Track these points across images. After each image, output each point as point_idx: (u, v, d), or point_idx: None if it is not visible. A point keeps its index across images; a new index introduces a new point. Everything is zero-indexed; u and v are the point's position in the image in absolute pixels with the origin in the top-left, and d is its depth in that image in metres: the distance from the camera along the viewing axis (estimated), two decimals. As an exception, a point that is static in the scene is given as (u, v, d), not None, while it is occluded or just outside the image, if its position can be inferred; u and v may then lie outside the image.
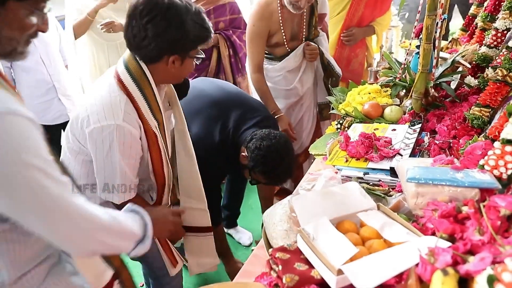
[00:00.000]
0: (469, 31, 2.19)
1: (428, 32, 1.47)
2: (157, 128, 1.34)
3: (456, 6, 3.95)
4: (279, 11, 2.17)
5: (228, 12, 2.71)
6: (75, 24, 2.45)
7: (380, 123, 1.70)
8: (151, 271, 1.68)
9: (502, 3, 1.63)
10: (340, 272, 0.83)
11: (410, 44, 1.87)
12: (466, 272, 0.73)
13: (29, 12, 0.79)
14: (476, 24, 1.96)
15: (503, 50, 1.37)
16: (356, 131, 1.62)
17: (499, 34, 1.55)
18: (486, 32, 1.80)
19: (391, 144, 1.46)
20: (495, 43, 1.57)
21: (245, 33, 2.75)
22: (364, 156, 1.43)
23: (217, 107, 1.88)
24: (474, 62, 1.68)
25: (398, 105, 1.77)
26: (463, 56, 1.80)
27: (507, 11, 1.47)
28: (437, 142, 1.42)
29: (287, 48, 2.30)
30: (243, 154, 1.76)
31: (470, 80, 1.62)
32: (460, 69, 1.77)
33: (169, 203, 1.56)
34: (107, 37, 2.52)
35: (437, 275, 0.73)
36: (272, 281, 0.94)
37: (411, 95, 1.64)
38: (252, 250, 1.72)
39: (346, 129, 1.74)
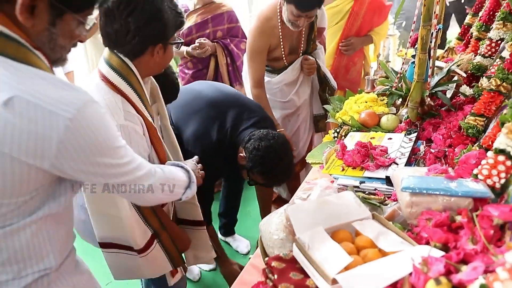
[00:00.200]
0: (465, 40, 2.21)
1: (423, 42, 1.48)
2: (153, 122, 1.35)
3: (453, 15, 3.99)
4: (279, 27, 2.18)
5: (226, 21, 2.74)
6: None
7: (376, 131, 1.71)
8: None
9: (496, 13, 1.65)
10: (334, 281, 0.83)
11: (405, 54, 1.88)
12: (459, 281, 0.73)
13: (78, 23, 0.86)
14: (472, 33, 1.98)
15: (497, 60, 1.38)
16: (352, 140, 1.64)
17: (493, 44, 1.56)
18: (481, 41, 1.82)
19: (387, 153, 1.47)
20: (489, 52, 1.59)
21: (243, 41, 2.77)
22: (360, 165, 1.44)
23: (214, 107, 1.89)
24: (469, 71, 1.69)
25: (395, 114, 1.78)
26: (458, 65, 1.81)
27: (501, 22, 1.49)
28: (433, 151, 1.43)
29: (285, 62, 2.31)
30: (241, 154, 1.76)
31: (465, 89, 1.63)
32: (455, 78, 1.78)
33: None
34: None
35: (430, 284, 0.74)
36: (268, 290, 0.94)
37: (407, 104, 1.65)
38: (249, 258, 1.73)
39: (343, 137, 1.76)
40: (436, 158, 1.40)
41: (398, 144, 1.53)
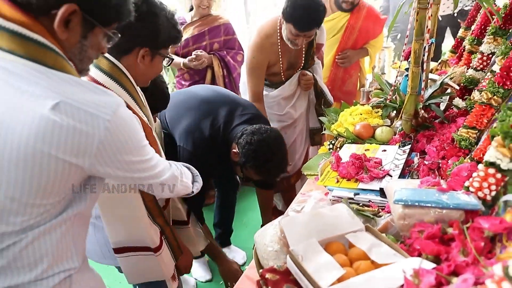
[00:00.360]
0: (458, 53, 2.25)
1: (416, 56, 1.50)
2: (148, 122, 1.36)
3: (448, 28, 4.04)
4: (279, 43, 2.20)
5: (223, 33, 2.77)
6: None
7: (371, 143, 1.72)
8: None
9: (487, 28, 1.68)
10: (327, 293, 0.84)
11: (399, 66, 1.91)
12: (449, 293, 0.75)
13: (104, 35, 0.92)
14: (464, 46, 2.01)
15: (488, 73, 1.40)
16: (347, 151, 1.65)
17: (484, 58, 1.59)
18: (473, 55, 1.85)
19: (381, 165, 1.49)
20: (481, 66, 1.61)
21: (240, 53, 2.80)
22: (354, 176, 1.45)
23: (207, 104, 1.91)
24: (462, 84, 1.72)
25: (389, 126, 1.80)
26: (451, 78, 1.84)
27: (491, 36, 1.52)
28: (427, 162, 1.44)
29: (283, 77, 2.33)
30: (234, 150, 1.77)
31: (458, 102, 1.65)
32: (449, 90, 1.81)
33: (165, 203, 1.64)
34: None
35: (421, 296, 0.75)
36: (262, 302, 0.95)
37: (401, 116, 1.67)
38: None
39: (338, 149, 1.77)
40: (429, 170, 1.42)
41: (392, 156, 1.54)
